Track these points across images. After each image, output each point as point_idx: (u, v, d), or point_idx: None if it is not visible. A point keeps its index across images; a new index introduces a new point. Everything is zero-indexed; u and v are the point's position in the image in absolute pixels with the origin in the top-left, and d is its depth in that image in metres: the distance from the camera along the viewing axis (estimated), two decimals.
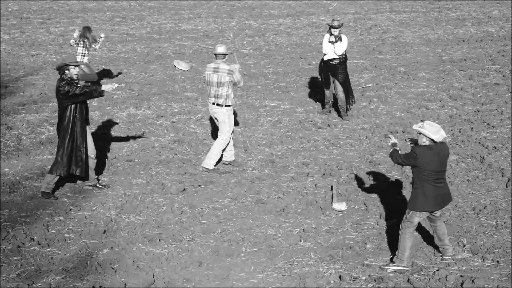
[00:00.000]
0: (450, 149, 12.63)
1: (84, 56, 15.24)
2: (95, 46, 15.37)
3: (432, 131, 8.43)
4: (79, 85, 10.39)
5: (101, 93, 10.39)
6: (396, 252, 8.81)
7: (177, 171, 11.72)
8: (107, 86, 10.48)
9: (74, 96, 10.22)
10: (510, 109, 14.73)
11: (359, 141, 13.18)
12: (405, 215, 8.75)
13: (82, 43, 15.19)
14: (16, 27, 22.13)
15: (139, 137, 13.17)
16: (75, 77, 10.40)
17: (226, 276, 8.69)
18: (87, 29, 15.36)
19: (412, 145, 8.84)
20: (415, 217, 8.68)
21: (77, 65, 10.45)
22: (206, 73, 11.51)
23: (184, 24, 23.11)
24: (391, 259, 8.94)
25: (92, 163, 10.80)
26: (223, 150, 11.74)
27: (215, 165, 11.68)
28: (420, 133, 8.51)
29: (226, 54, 11.42)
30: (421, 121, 8.80)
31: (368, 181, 11.41)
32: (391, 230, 9.81)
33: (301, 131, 13.65)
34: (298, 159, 12.32)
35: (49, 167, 10.85)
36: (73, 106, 10.31)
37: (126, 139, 13.09)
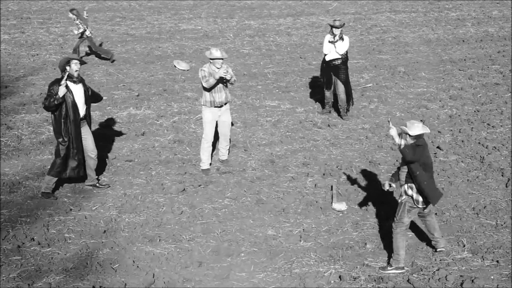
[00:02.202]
0: (450, 149, 12.64)
1: (86, 30, 17.40)
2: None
3: (408, 127, 8.48)
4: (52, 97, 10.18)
5: (60, 99, 10.12)
6: (392, 254, 8.83)
7: (177, 171, 11.72)
8: (60, 88, 10.13)
9: (46, 108, 10.24)
10: (510, 109, 14.73)
11: (359, 141, 13.18)
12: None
13: (79, 22, 17.30)
14: (16, 27, 22.12)
15: (139, 133, 13.20)
16: (75, 74, 10.34)
17: (226, 276, 8.70)
18: (72, 10, 17.54)
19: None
20: (405, 217, 8.70)
21: (80, 62, 10.38)
22: None
23: (184, 24, 23.10)
24: (388, 261, 8.95)
25: (92, 163, 10.80)
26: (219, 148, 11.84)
27: (209, 164, 11.71)
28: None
29: (209, 59, 11.31)
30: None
31: (368, 181, 11.41)
32: (391, 230, 9.81)
33: (301, 131, 13.65)
34: (298, 159, 12.33)
35: (49, 167, 10.85)
36: (63, 106, 10.21)
37: (126, 139, 13.10)
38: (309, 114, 14.61)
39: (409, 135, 8.44)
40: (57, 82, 10.24)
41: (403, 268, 8.76)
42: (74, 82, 10.34)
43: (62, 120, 10.25)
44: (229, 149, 12.08)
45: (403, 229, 8.73)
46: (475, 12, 25.53)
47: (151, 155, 12.40)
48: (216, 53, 11.19)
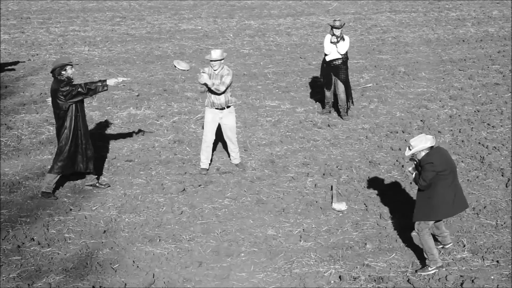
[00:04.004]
0: (450, 149, 12.64)
1: None
2: None
3: (422, 142, 8.45)
4: (80, 83, 10.46)
5: (104, 88, 10.46)
6: (425, 255, 8.77)
7: (177, 171, 11.72)
8: (111, 80, 10.53)
9: (79, 94, 10.29)
10: (510, 109, 14.73)
11: (359, 141, 13.18)
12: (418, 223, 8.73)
13: None
14: (16, 27, 22.13)
15: (139, 133, 13.19)
16: (71, 76, 10.45)
17: (226, 276, 8.69)
18: None
19: (414, 162, 8.79)
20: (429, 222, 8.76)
21: (72, 65, 10.53)
22: None
23: (184, 24, 23.10)
24: (423, 265, 8.88)
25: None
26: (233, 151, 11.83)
27: (209, 164, 11.71)
28: (415, 153, 8.54)
29: (214, 60, 11.27)
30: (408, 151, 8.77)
31: (368, 181, 11.41)
32: (391, 230, 9.81)
33: (301, 131, 13.64)
34: (298, 159, 12.32)
35: (49, 166, 10.84)
36: (74, 105, 10.33)
37: (126, 139, 13.09)
38: (309, 114, 14.60)
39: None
40: (66, 82, 10.33)
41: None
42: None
43: (74, 117, 10.37)
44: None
45: (427, 230, 8.71)
46: (475, 12, 25.52)
47: (151, 155, 12.40)
48: (211, 55, 11.15)
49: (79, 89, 10.27)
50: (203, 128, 11.75)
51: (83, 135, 10.49)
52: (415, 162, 8.67)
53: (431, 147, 8.47)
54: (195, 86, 16.36)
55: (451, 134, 13.39)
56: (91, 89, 10.37)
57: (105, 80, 10.50)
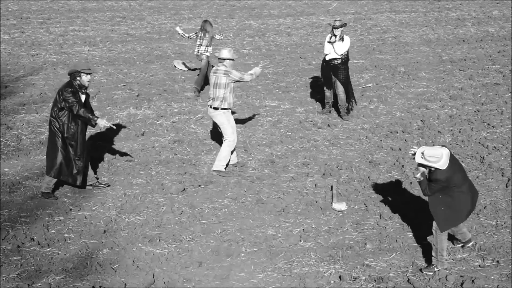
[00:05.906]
0: (450, 149, 12.64)
1: (208, 47, 15.55)
2: (219, 37, 16.07)
3: (438, 161, 8.28)
4: (78, 101, 10.27)
5: (92, 123, 10.32)
6: (433, 254, 8.71)
7: (177, 171, 11.72)
8: (101, 120, 10.35)
9: (70, 110, 10.23)
10: (510, 109, 14.72)
11: (359, 141, 13.18)
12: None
13: (201, 36, 15.59)
14: (16, 27, 22.12)
15: (140, 135, 13.20)
16: (86, 84, 10.35)
17: (226, 276, 8.69)
18: (208, 23, 15.70)
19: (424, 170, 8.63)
20: None
21: (90, 73, 10.38)
22: (210, 75, 11.70)
23: (184, 24, 23.09)
24: (429, 264, 8.84)
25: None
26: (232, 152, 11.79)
27: (225, 167, 11.66)
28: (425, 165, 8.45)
29: (230, 59, 11.41)
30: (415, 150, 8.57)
31: (368, 181, 11.41)
32: (391, 230, 9.81)
33: (301, 131, 13.65)
34: (298, 159, 12.32)
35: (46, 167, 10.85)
36: (69, 115, 10.28)
37: (126, 139, 13.09)
38: (309, 114, 14.60)
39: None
40: (73, 91, 10.24)
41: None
42: (82, 93, 10.41)
43: (72, 126, 10.32)
44: None
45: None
46: (475, 12, 25.53)
47: (151, 155, 12.40)
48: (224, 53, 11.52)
49: (73, 107, 10.18)
50: (224, 131, 11.55)
51: (78, 147, 10.39)
52: (425, 170, 8.56)
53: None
54: (195, 86, 16.36)
55: (451, 134, 13.39)
56: (81, 115, 10.22)
57: (97, 117, 10.33)
